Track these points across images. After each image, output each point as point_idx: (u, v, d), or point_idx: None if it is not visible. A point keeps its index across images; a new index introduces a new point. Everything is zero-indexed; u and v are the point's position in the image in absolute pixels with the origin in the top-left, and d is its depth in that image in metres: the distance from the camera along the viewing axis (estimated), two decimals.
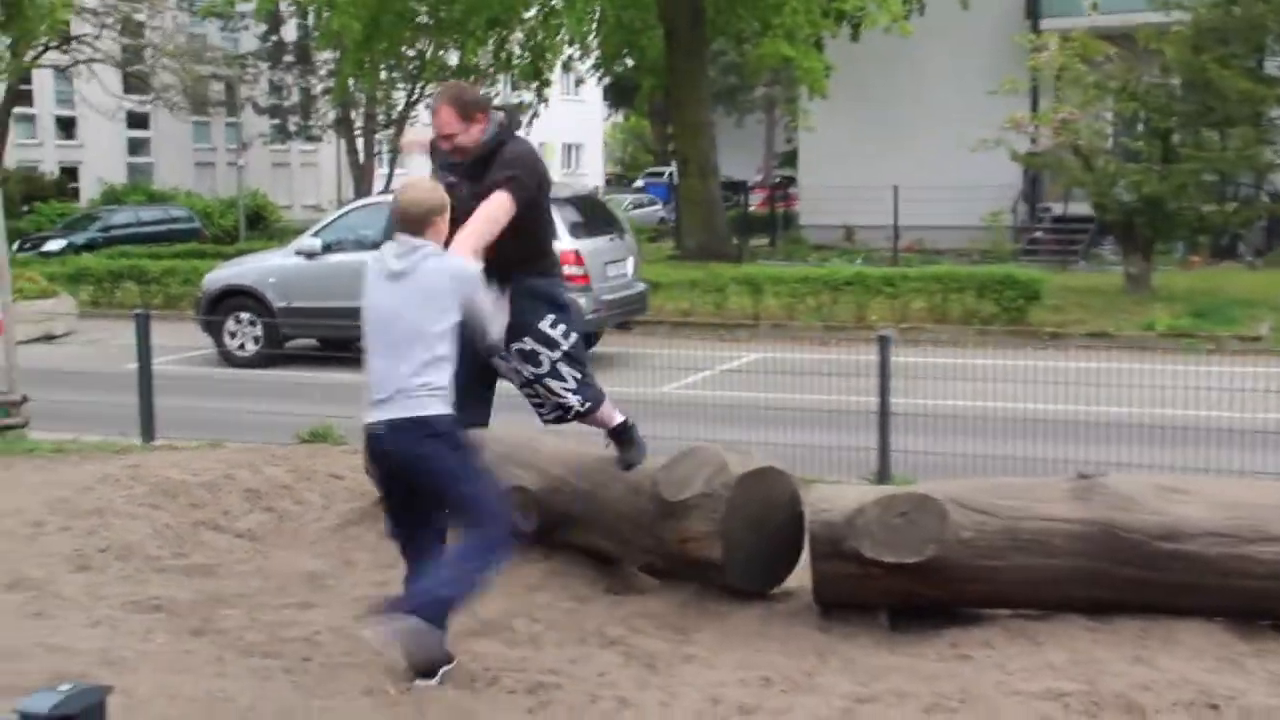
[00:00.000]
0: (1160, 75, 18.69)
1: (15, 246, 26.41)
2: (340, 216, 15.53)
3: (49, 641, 5.29)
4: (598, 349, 14.50)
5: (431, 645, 4.59)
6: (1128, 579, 4.99)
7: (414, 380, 4.63)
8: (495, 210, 5.16)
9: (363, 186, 37.89)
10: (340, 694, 4.73)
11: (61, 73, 39.45)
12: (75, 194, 42.58)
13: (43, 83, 43.72)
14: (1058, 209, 25.69)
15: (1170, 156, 18.06)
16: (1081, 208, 22.94)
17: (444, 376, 4.68)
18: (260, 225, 37.50)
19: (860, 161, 26.90)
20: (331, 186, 48.21)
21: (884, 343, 8.07)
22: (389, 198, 16.24)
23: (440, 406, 4.67)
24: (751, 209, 32.36)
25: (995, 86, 19.62)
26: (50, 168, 43.98)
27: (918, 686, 4.63)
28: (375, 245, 14.27)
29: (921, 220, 24.89)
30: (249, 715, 4.54)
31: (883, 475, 7.95)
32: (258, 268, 15.33)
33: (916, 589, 5.19)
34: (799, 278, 17.60)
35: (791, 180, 35.92)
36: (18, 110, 38.53)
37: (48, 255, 27.50)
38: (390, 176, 38.86)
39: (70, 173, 44.80)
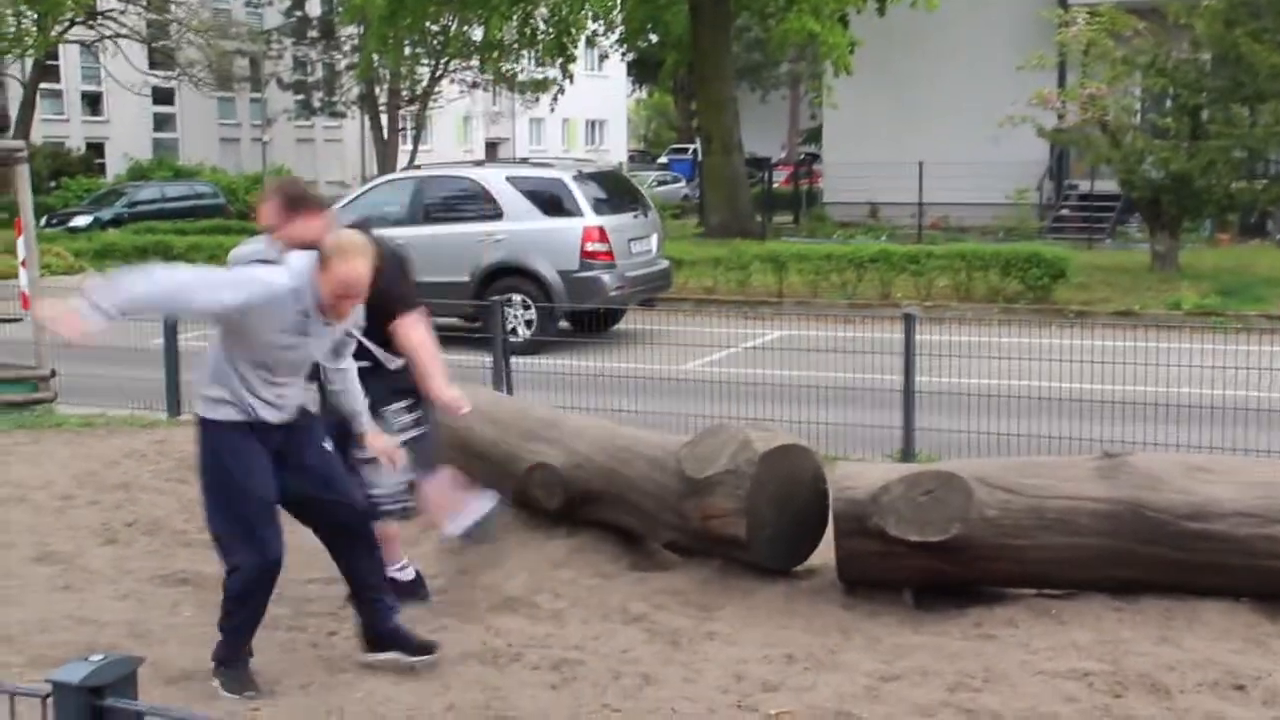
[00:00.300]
0: (1190, 50, 18.48)
1: (42, 222, 26.58)
2: (365, 192, 15.56)
3: (78, 614, 5.35)
4: (622, 326, 14.49)
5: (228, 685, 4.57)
6: (1154, 558, 4.97)
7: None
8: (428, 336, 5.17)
9: (387, 162, 37.88)
10: (365, 667, 4.76)
11: (87, 48, 39.51)
12: (101, 169, 42.74)
13: (69, 58, 43.81)
14: (1084, 186, 25.49)
15: (1199, 133, 17.88)
16: (1108, 185, 22.74)
17: (207, 375, 4.55)
18: None
19: (885, 138, 26.75)
20: (356, 162, 48.23)
21: (909, 320, 8.03)
22: (414, 173, 16.30)
23: (202, 408, 4.57)
24: (775, 186, 32.22)
25: (1021, 62, 19.44)
26: (77, 143, 44.14)
27: (941, 665, 4.63)
28: (399, 221, 14.46)
29: (946, 197, 24.74)
30: (275, 688, 4.58)
31: (907, 453, 7.93)
32: None
33: (941, 567, 5.18)
34: (823, 255, 17.52)
35: (816, 157, 35.77)
36: (44, 86, 38.63)
37: (75, 231, 27.65)
38: (415, 152, 38.84)
39: (96, 148, 44.94)
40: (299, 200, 5.06)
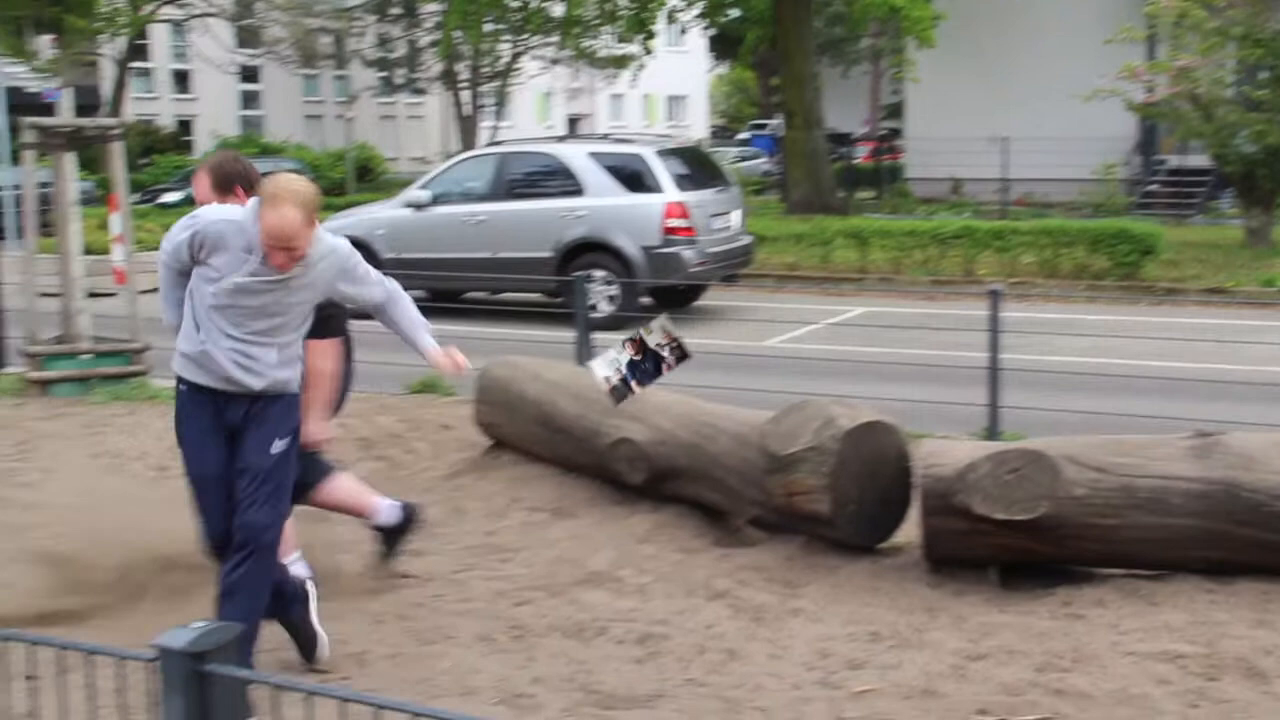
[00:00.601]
0: None
1: (135, 199, 27.07)
2: (448, 169, 15.67)
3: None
4: (702, 302, 14.48)
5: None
6: (1249, 540, 4.88)
7: None
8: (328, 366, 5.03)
9: (468, 139, 38.09)
10: (451, 639, 4.82)
11: (177, 27, 40.15)
12: (189, 147, 43.47)
13: (159, 37, 44.57)
14: (1174, 161, 24.98)
15: None
16: (1198, 159, 22.29)
17: (183, 331, 4.34)
18: (368, 177, 37.97)
19: (968, 113, 26.37)
20: (438, 139, 48.56)
21: (994, 297, 7.93)
22: (496, 149, 16.38)
23: (173, 363, 4.40)
24: (857, 161, 31.95)
25: (1109, 35, 19.08)
26: (167, 121, 44.93)
27: (1029, 644, 4.59)
28: (482, 197, 14.54)
29: (1031, 173, 24.36)
30: (363, 659, 4.65)
31: (993, 431, 7.84)
32: (366, 219, 15.51)
33: (1028, 546, 5.13)
34: (906, 231, 17.37)
35: (897, 132, 35.39)
36: (135, 64, 39.33)
37: (165, 207, 28.18)
38: (496, 128, 39.02)
39: (185, 125, 45.72)
40: (231, 179, 4.75)
